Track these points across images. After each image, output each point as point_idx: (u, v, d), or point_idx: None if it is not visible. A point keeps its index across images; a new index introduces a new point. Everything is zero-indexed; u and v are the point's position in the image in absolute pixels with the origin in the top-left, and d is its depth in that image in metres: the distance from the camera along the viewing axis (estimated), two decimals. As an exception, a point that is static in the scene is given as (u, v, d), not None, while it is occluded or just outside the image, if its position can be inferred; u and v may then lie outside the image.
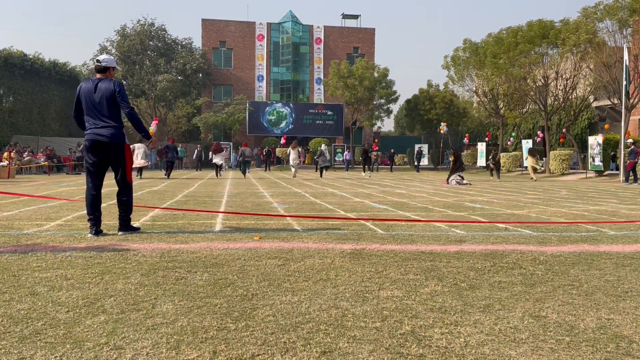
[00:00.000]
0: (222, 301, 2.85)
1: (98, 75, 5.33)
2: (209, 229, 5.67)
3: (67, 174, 24.73)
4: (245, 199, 9.69)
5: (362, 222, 6.49)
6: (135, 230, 5.41)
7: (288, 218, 6.79)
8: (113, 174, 5.44)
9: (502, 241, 5.11)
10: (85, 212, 5.29)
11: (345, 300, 2.91)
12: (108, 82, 5.22)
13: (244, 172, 23.06)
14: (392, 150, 36.78)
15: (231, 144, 39.37)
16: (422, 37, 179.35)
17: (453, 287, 3.25)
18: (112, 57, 5.52)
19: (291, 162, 22.55)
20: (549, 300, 3.00)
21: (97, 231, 5.15)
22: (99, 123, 5.16)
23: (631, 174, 19.68)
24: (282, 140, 40.45)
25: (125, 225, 5.33)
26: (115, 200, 5.52)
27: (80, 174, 24.56)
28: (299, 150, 22.62)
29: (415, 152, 36.35)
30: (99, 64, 5.34)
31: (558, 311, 2.77)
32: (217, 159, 22.77)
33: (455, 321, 2.57)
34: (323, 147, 24.95)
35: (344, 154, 35.96)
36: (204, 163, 34.23)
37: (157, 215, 6.73)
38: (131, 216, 5.43)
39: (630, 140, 20.80)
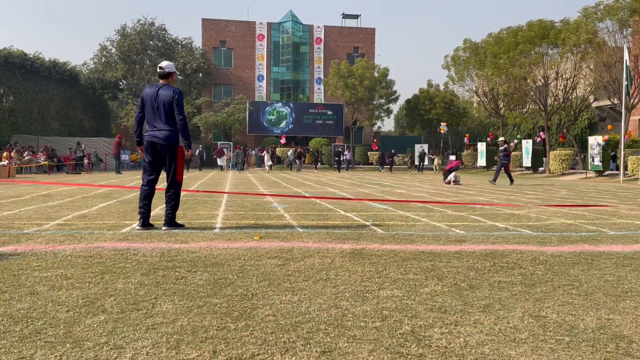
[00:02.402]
0: (222, 301, 2.85)
1: (161, 81, 5.68)
2: (209, 229, 5.68)
3: (67, 173, 24.72)
4: (245, 199, 9.69)
5: (362, 221, 6.49)
6: (180, 226, 5.66)
7: (288, 217, 6.79)
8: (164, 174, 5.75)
9: (502, 241, 5.11)
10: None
11: (345, 300, 2.91)
12: (168, 89, 5.56)
13: (239, 170, 29.68)
14: (392, 151, 36.78)
15: (231, 143, 39.40)
16: (422, 37, 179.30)
17: (453, 287, 3.25)
18: (172, 63, 5.83)
19: (266, 162, 30.48)
20: (548, 300, 3.00)
21: (144, 224, 5.54)
22: (157, 126, 5.55)
23: (498, 172, 17.71)
24: (282, 140, 40.45)
25: (170, 221, 5.60)
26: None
27: (80, 173, 24.56)
28: (274, 152, 32.12)
29: (419, 152, 36.42)
30: (161, 70, 5.68)
31: (558, 311, 2.77)
32: (220, 161, 31.26)
33: (455, 321, 2.57)
34: (290, 152, 34.26)
35: (344, 153, 35.99)
36: (205, 162, 34.55)
37: (158, 214, 6.73)
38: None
39: (501, 139, 18.70)
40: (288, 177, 21.64)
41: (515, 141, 35.39)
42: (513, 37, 29.35)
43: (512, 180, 17.38)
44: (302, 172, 31.40)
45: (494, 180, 17.36)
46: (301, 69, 47.58)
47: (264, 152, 32.34)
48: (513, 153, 33.04)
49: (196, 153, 32.10)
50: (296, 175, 24.42)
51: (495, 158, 17.78)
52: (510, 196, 11.63)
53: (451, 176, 17.12)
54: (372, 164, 38.44)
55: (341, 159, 33.71)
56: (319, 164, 37.73)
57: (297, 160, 34.01)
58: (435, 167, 32.94)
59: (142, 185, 5.63)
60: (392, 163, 35.38)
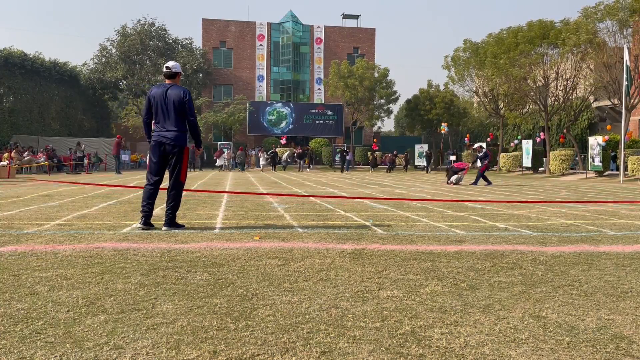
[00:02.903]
0: (222, 301, 2.85)
1: (167, 81, 5.70)
2: (209, 229, 5.68)
3: (67, 173, 24.72)
4: (246, 199, 9.68)
5: (362, 221, 6.49)
6: (180, 227, 5.66)
7: (288, 217, 6.79)
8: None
9: (502, 241, 5.11)
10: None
11: (345, 300, 2.91)
12: (177, 89, 5.59)
13: (241, 170, 31.57)
14: (394, 152, 36.67)
15: (231, 144, 39.44)
16: (422, 37, 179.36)
17: (453, 287, 3.25)
18: (178, 63, 5.86)
19: (261, 162, 33.52)
20: (549, 300, 3.00)
21: (146, 222, 5.55)
22: (166, 127, 5.55)
23: (481, 176, 17.19)
24: (282, 141, 40.44)
25: (170, 221, 5.60)
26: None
27: (80, 173, 24.56)
28: (265, 154, 33.75)
29: (426, 153, 36.41)
30: (168, 70, 5.70)
31: (558, 311, 2.77)
32: (220, 161, 33.63)
33: (455, 321, 2.57)
34: (287, 153, 36.13)
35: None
36: (205, 162, 34.86)
37: (158, 214, 6.73)
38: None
39: (477, 145, 18.57)
40: (288, 177, 21.66)
41: (516, 142, 35.42)
42: (513, 38, 29.37)
43: (476, 182, 17.20)
44: (302, 172, 31.41)
45: (488, 182, 17.25)
46: (301, 69, 47.60)
47: (260, 153, 34.79)
48: (513, 153, 33.07)
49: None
50: (296, 176, 24.43)
51: (475, 164, 17.78)
52: (510, 196, 11.63)
53: (454, 177, 17.11)
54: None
55: (346, 159, 33.47)
56: (310, 164, 37.41)
57: (298, 161, 34.08)
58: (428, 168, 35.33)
59: (147, 184, 5.63)
60: (393, 164, 35.14)
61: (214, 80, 45.29)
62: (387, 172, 33.16)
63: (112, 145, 26.99)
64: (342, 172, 31.35)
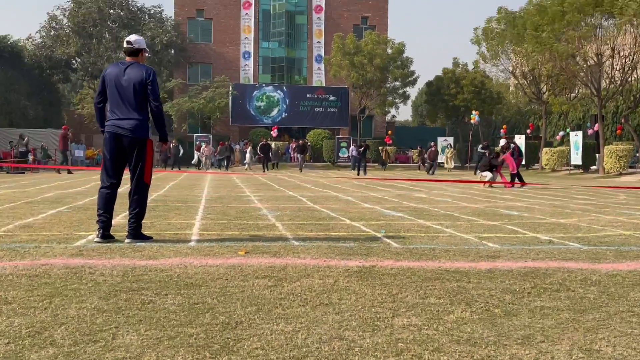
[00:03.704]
0: (198, 331, 2.85)
1: (128, 59, 5.70)
2: (182, 241, 5.68)
3: (7, 172, 24.73)
4: (228, 204, 9.70)
5: (372, 232, 6.50)
6: (147, 239, 5.67)
7: (280, 227, 6.80)
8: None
9: (545, 257, 5.12)
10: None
11: (351, 330, 2.91)
12: (139, 67, 5.58)
13: (226, 168, 33.74)
14: (432, 144, 36.42)
15: (210, 136, 39.47)
16: (447, 5, 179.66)
17: (484, 314, 3.26)
18: (142, 38, 5.87)
19: (247, 159, 34.41)
20: (603, 330, 3.00)
21: (105, 235, 5.54)
22: (122, 115, 5.53)
23: (515, 176, 17.27)
24: (274, 132, 40.48)
25: (134, 232, 5.60)
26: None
27: (24, 173, 24.59)
28: (269, 147, 34.14)
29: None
30: (129, 46, 5.70)
31: (614, 344, 2.77)
32: (196, 157, 35.68)
33: (488, 355, 2.58)
34: (273, 145, 37.14)
35: (350, 149, 35.86)
36: (181, 159, 34.66)
37: (119, 224, 6.74)
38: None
39: (481, 146, 18.45)
40: (282, 178, 21.69)
41: (562, 134, 35.47)
42: (559, 5, 29.37)
43: (522, 180, 17.34)
44: (302, 172, 31.42)
45: (521, 182, 17.36)
46: (297, 44, 47.74)
47: (246, 149, 36.09)
48: (558, 148, 33.13)
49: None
50: (291, 176, 24.45)
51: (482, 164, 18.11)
52: (554, 201, 11.65)
53: (487, 173, 16.99)
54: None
55: (365, 156, 29.51)
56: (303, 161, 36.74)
57: (299, 156, 33.98)
58: (447, 161, 36.06)
59: (102, 187, 5.61)
60: (434, 162, 32.89)
61: (189, 58, 45.41)
62: (428, 173, 30.67)
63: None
64: (359, 173, 27.81)
